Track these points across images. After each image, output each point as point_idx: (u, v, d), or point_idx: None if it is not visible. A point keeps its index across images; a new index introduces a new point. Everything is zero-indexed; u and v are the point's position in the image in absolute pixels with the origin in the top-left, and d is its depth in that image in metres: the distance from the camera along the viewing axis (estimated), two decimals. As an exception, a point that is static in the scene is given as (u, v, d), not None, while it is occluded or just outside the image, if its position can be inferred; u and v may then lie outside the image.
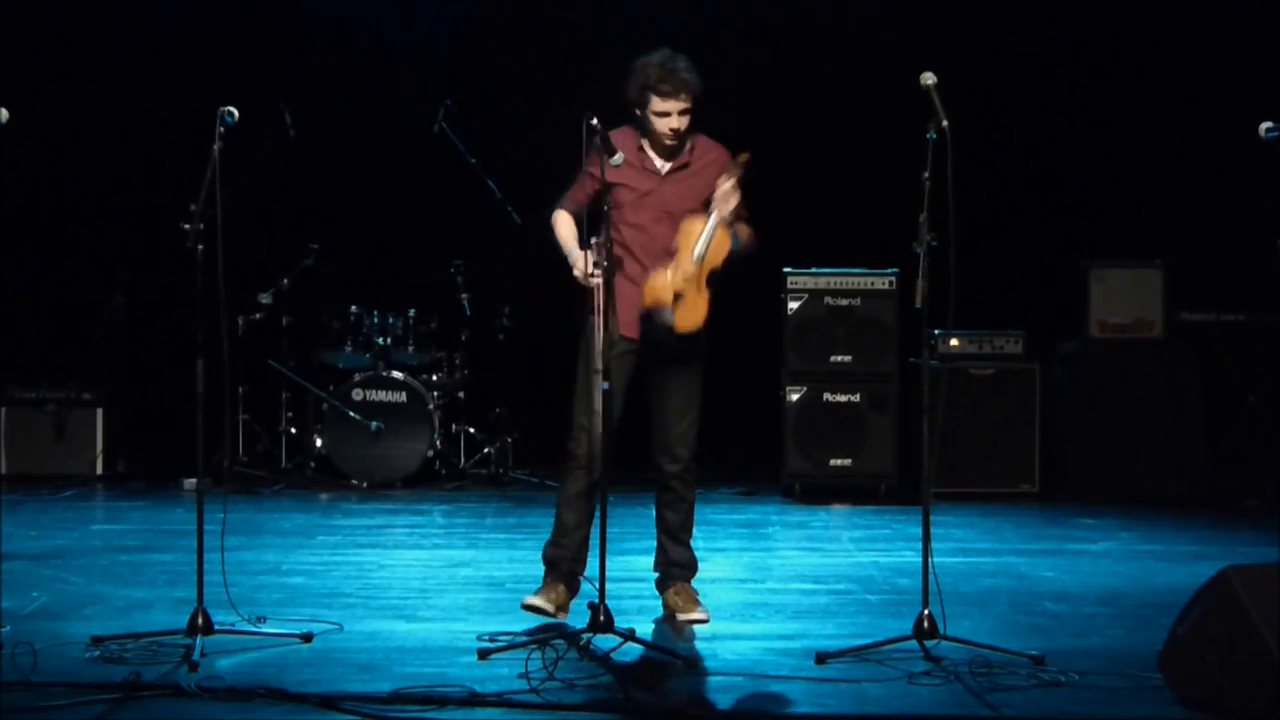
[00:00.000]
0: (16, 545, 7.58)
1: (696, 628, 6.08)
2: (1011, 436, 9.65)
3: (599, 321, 5.81)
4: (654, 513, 6.32)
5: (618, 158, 5.86)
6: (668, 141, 6.03)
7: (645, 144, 6.10)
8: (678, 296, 5.97)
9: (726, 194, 5.97)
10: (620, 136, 6.02)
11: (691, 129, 6.09)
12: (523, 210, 9.75)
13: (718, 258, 6.03)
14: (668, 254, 6.03)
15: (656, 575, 6.33)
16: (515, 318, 10.19)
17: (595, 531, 5.99)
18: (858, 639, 5.74)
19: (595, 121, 5.80)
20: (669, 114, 5.97)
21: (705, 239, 5.97)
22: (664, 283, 5.96)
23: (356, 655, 5.59)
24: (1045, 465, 9.67)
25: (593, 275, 5.82)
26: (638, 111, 6.04)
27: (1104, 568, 7.48)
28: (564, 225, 6.15)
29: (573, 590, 6.17)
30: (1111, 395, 9.76)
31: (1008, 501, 9.48)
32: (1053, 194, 10.67)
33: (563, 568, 6.20)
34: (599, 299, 5.88)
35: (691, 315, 6.00)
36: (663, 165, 6.12)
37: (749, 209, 6.09)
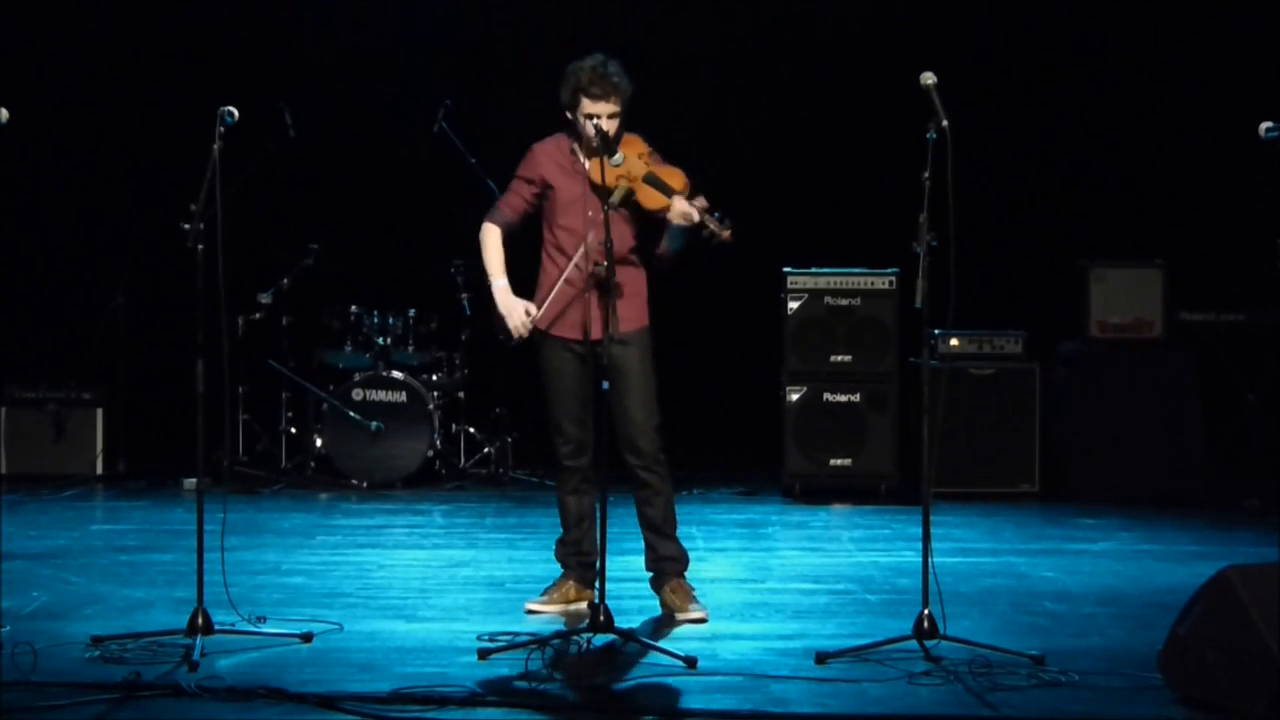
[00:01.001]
0: (16, 545, 7.58)
1: (697, 627, 6.08)
2: (1011, 436, 9.65)
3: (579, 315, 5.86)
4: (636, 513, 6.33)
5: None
6: (595, 145, 6.03)
7: (577, 148, 6.17)
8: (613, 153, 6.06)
9: (691, 212, 6.01)
10: (553, 143, 6.18)
11: (622, 132, 6.14)
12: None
13: (649, 200, 6.06)
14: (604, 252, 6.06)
15: (650, 575, 6.34)
16: (515, 317, 10.18)
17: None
18: (858, 639, 5.73)
19: (597, 122, 5.86)
20: (598, 117, 6.03)
21: (661, 182, 6.02)
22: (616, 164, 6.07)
23: (356, 655, 5.59)
24: (1045, 465, 9.67)
25: (521, 335, 6.10)
26: (569, 115, 6.11)
27: (1104, 568, 7.48)
28: (493, 244, 6.29)
29: (587, 583, 6.26)
30: (1111, 395, 9.75)
31: (1008, 501, 9.47)
32: (1053, 194, 10.67)
33: (570, 564, 6.35)
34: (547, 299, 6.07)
35: (598, 174, 6.01)
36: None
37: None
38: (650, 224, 6.18)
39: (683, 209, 6.02)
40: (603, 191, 5.96)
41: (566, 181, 6.14)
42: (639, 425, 6.17)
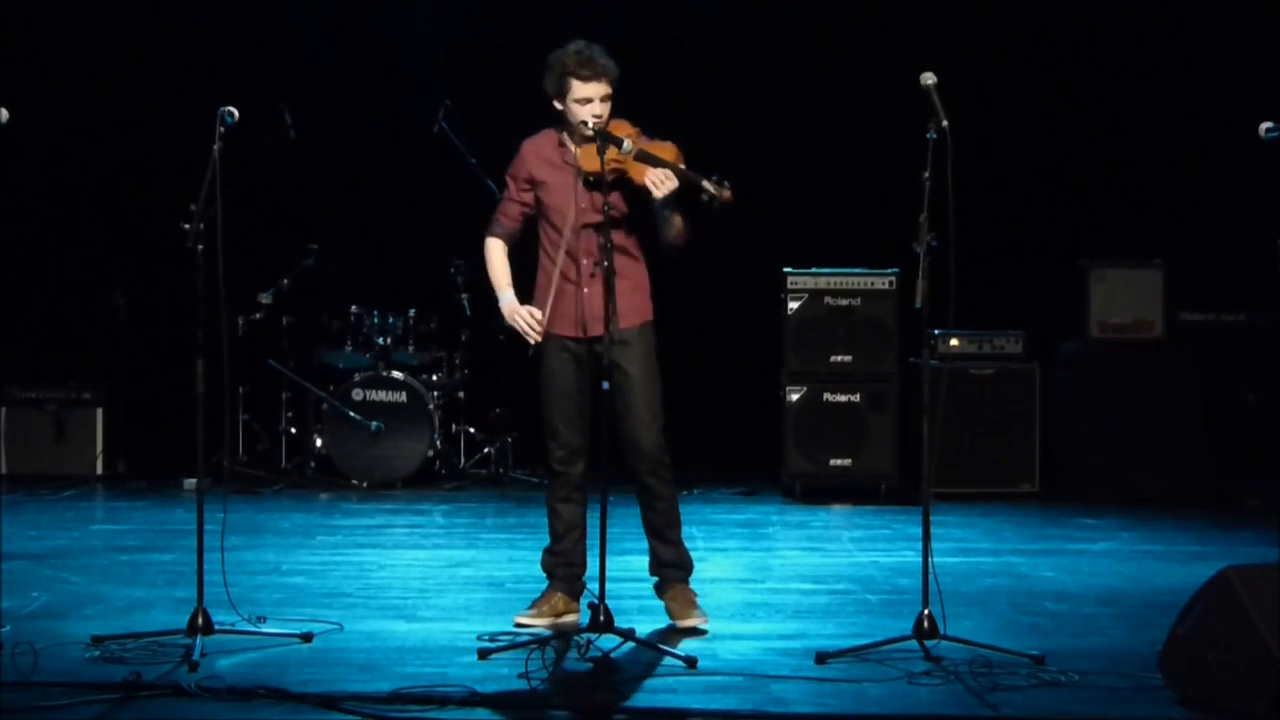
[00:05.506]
0: (16, 545, 7.58)
1: (697, 627, 6.06)
2: (1011, 436, 9.65)
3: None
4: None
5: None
6: (588, 131, 5.93)
7: (566, 138, 6.05)
8: (612, 140, 5.87)
9: (668, 175, 5.81)
10: (542, 138, 6.07)
11: (610, 117, 5.99)
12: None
13: (640, 175, 5.85)
14: (601, 251, 5.99)
15: (654, 580, 6.26)
16: (515, 318, 10.18)
17: (595, 533, 5.98)
18: (858, 639, 5.73)
19: (595, 121, 5.82)
20: (590, 100, 5.93)
21: (652, 157, 5.85)
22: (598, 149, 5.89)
23: (356, 655, 5.59)
24: (1045, 465, 9.67)
25: (536, 339, 5.98)
26: (558, 105, 6.01)
27: (1104, 568, 7.48)
28: (496, 259, 6.18)
29: (576, 595, 6.14)
30: (1111, 395, 9.76)
31: (1008, 501, 9.48)
32: (1053, 194, 10.67)
33: (559, 574, 6.19)
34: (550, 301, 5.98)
35: (588, 162, 5.90)
36: None
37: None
38: (649, 212, 5.97)
39: (662, 173, 5.79)
40: (596, 180, 5.86)
41: (555, 174, 6.02)
42: (641, 426, 6.04)
